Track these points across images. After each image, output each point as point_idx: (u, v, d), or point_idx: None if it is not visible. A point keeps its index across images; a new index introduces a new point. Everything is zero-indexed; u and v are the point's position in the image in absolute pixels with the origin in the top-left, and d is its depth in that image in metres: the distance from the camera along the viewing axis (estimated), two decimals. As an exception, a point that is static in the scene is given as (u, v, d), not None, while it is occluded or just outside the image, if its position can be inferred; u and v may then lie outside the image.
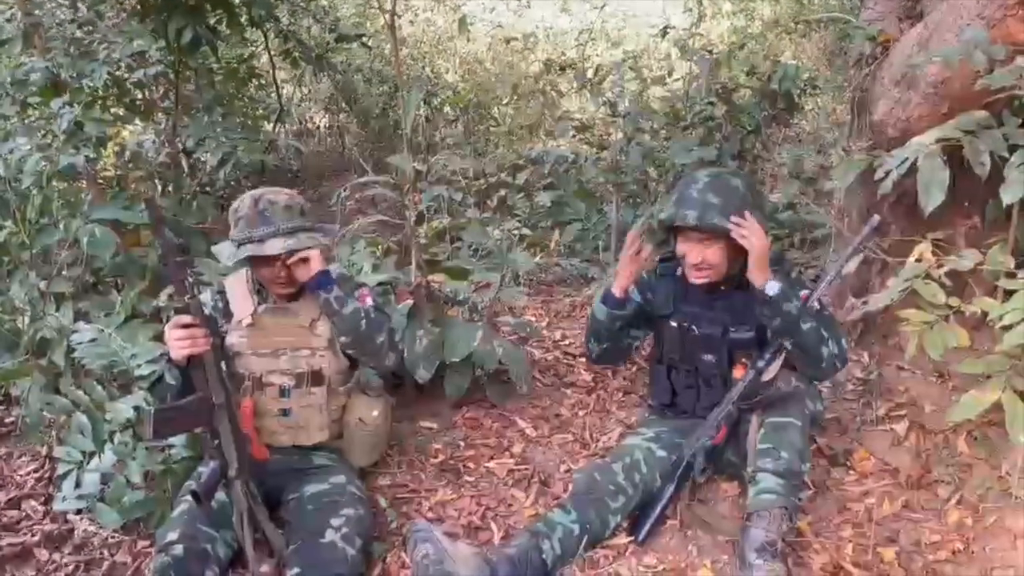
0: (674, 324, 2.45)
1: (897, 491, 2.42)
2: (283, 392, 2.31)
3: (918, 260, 2.30)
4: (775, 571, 2.01)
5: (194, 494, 2.01)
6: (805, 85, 4.63)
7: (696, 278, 2.34)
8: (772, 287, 2.18)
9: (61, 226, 3.10)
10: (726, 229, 2.21)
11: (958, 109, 2.36)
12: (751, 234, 2.17)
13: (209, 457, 2.10)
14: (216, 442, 2.05)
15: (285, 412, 2.32)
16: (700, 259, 2.30)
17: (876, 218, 2.30)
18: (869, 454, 2.58)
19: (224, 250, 2.30)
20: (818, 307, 2.24)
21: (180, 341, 1.99)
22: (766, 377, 2.21)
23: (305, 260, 2.19)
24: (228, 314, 2.34)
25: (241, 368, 2.32)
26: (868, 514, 2.32)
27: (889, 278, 2.66)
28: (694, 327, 2.41)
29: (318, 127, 8.30)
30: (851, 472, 2.53)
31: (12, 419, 2.88)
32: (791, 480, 2.14)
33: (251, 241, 2.18)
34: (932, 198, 2.14)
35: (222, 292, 2.37)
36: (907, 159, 2.20)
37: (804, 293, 2.27)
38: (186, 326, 2.00)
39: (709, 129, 4.63)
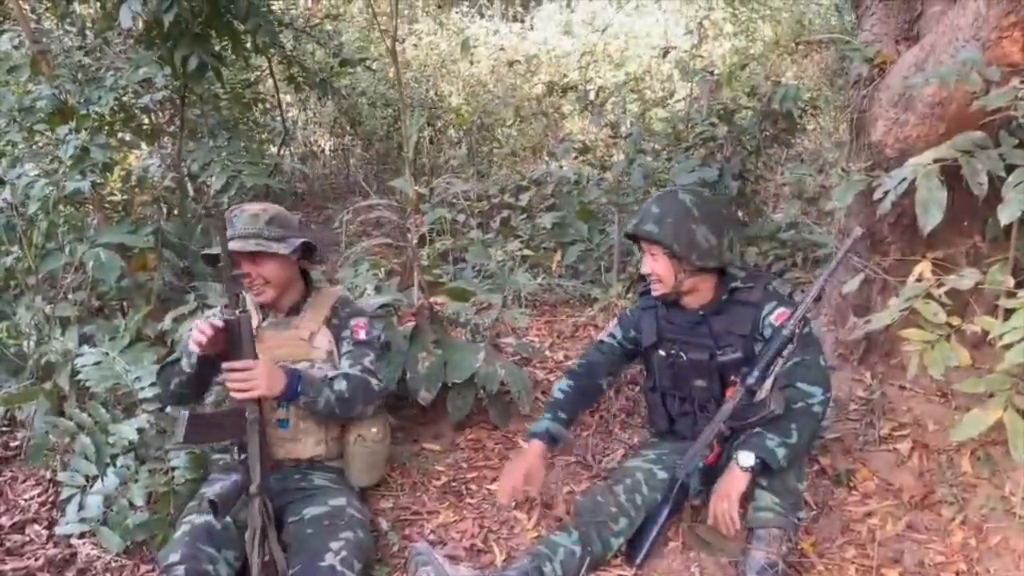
0: (662, 353, 2.48)
1: (900, 511, 2.41)
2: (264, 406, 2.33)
3: (918, 279, 2.30)
4: (776, 594, 2.01)
5: (212, 503, 2.03)
6: (806, 105, 4.66)
7: (653, 290, 2.41)
8: (747, 458, 2.12)
9: (67, 250, 3.13)
10: (651, 235, 2.29)
11: (955, 129, 2.37)
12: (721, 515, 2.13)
13: (231, 470, 2.19)
14: (242, 456, 2.09)
15: (282, 423, 2.35)
16: (649, 269, 2.36)
17: (858, 230, 2.32)
18: (872, 474, 2.57)
19: None
20: (801, 326, 2.21)
21: (203, 336, 2.08)
22: (759, 396, 2.20)
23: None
24: None
25: None
26: (871, 535, 2.32)
27: (890, 297, 2.67)
28: (682, 354, 2.43)
29: (322, 150, 8.35)
30: (854, 492, 2.52)
31: (17, 443, 2.89)
32: (787, 499, 2.13)
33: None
34: (931, 217, 2.14)
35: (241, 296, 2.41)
36: (905, 179, 2.21)
37: (784, 311, 2.27)
38: (217, 330, 2.09)
39: (711, 150, 4.65)
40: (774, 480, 2.13)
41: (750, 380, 2.19)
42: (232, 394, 2.08)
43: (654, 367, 2.53)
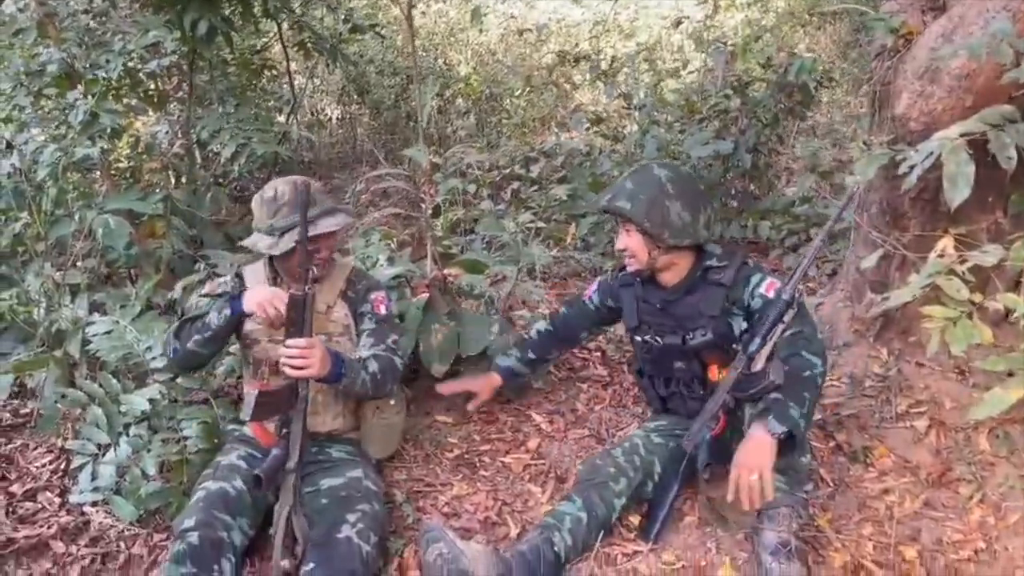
0: (639, 339, 2.49)
1: (918, 489, 2.40)
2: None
3: (940, 255, 2.27)
4: (791, 573, 1.99)
5: (256, 478, 2.04)
6: (821, 78, 4.59)
7: (627, 266, 2.42)
8: (775, 426, 2.05)
9: (76, 217, 3.09)
10: (623, 212, 2.27)
11: (983, 103, 2.31)
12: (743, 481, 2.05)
13: (244, 441, 2.28)
14: (285, 431, 2.11)
15: None
16: (623, 245, 2.36)
17: (853, 189, 2.30)
18: (889, 451, 2.56)
19: (260, 240, 2.26)
20: (794, 296, 2.19)
21: (267, 304, 2.12)
22: (757, 366, 2.17)
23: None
24: None
25: (260, 354, 2.32)
26: (889, 512, 2.30)
27: (908, 274, 2.63)
28: (658, 338, 2.43)
29: (330, 119, 8.27)
30: (871, 469, 2.51)
31: (28, 410, 2.87)
32: (792, 475, 2.12)
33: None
34: (958, 193, 2.09)
35: (240, 276, 2.38)
36: (932, 153, 2.16)
37: (772, 280, 2.27)
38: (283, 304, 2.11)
39: (724, 122, 4.60)
40: (777, 458, 2.10)
41: (752, 348, 2.17)
42: (287, 371, 2.07)
43: (637, 352, 2.56)
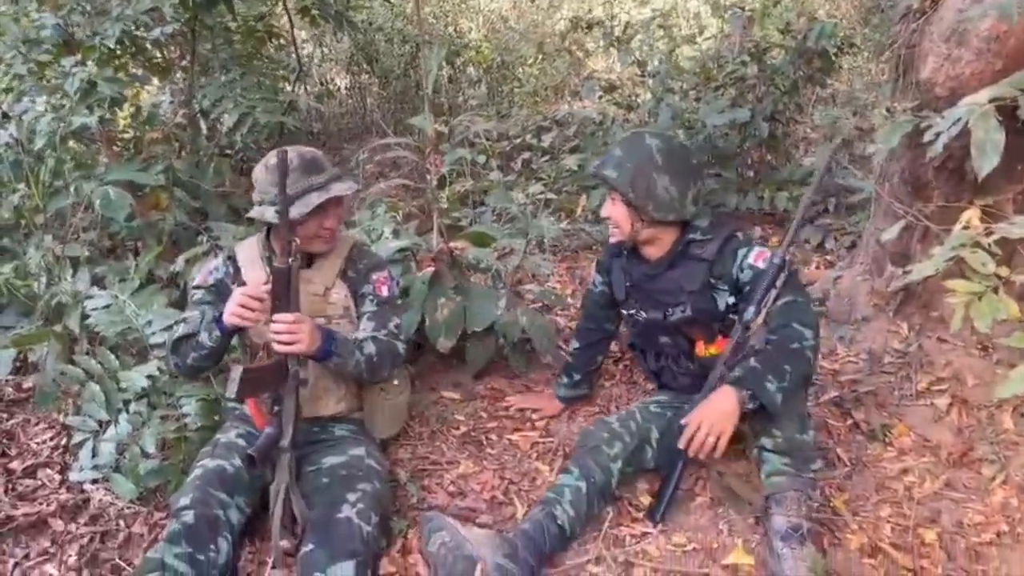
0: (625, 312, 2.47)
1: (938, 469, 2.32)
2: (298, 361, 2.24)
3: (965, 227, 2.17)
4: (804, 557, 1.92)
5: (249, 458, 2.00)
6: (842, 43, 4.46)
7: (611, 236, 2.36)
8: (745, 397, 2.02)
9: (74, 189, 3.03)
10: (608, 180, 2.22)
11: (1013, 66, 2.22)
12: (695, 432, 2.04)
13: (244, 420, 2.22)
14: (277, 409, 2.06)
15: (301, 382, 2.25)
16: (607, 214, 2.30)
17: (837, 141, 2.22)
18: (908, 430, 2.48)
19: (267, 211, 2.17)
20: (790, 262, 2.14)
21: (243, 310, 2.01)
22: (751, 331, 2.14)
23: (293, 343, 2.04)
24: (239, 282, 2.25)
25: (256, 338, 2.25)
26: (908, 493, 2.23)
27: (931, 246, 2.55)
28: (643, 312, 2.39)
29: (338, 88, 8.14)
30: (889, 448, 2.43)
31: (30, 385, 2.83)
32: (797, 456, 2.06)
33: (314, 189, 2.13)
34: (987, 161, 2.00)
35: (232, 258, 2.30)
36: (960, 119, 2.06)
37: (762, 250, 2.19)
38: (261, 299, 2.02)
39: (741, 90, 4.49)
40: (779, 440, 2.06)
41: (747, 316, 2.13)
42: (276, 347, 2.01)
43: (627, 325, 2.54)
